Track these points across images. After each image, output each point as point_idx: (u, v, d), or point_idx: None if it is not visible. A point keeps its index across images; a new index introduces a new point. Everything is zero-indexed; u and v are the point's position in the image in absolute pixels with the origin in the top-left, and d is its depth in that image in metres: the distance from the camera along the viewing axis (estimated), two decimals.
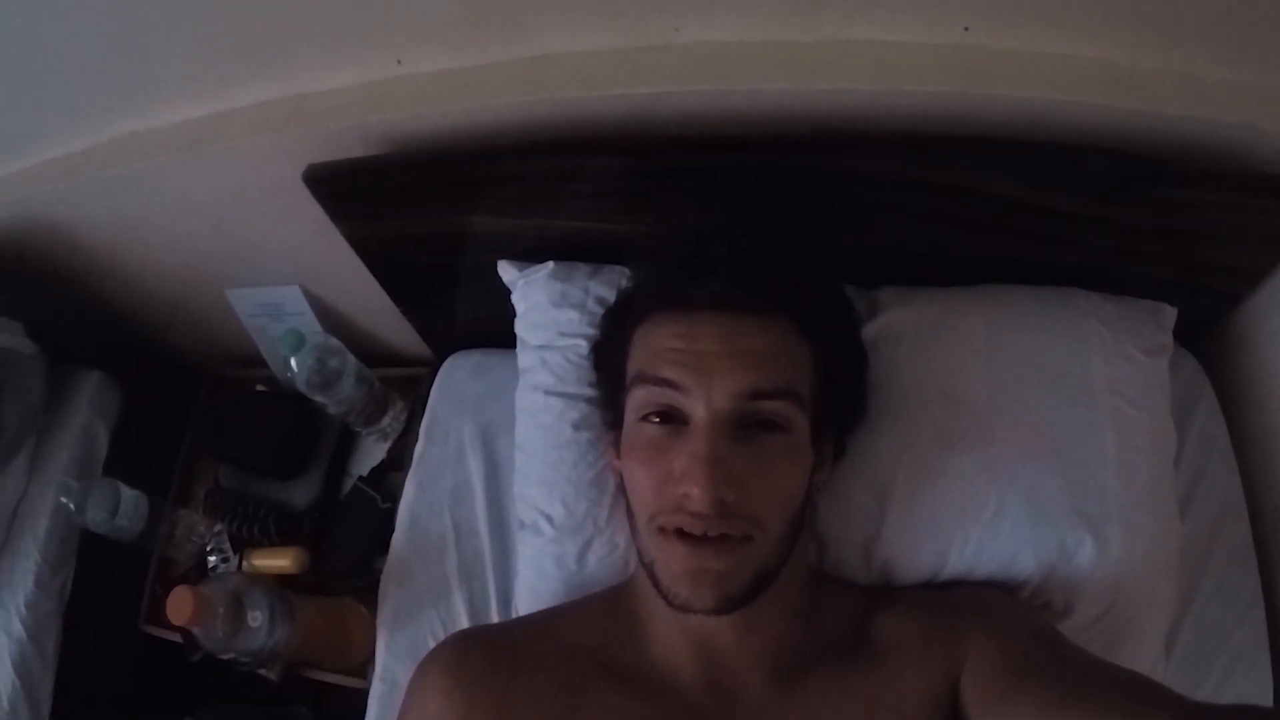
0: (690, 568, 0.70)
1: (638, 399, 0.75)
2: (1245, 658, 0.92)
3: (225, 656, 0.97)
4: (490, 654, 0.80)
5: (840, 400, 0.80)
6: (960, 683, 0.71)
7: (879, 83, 0.82)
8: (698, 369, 0.71)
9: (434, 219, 1.00)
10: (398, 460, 1.22)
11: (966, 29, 0.81)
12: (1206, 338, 1.04)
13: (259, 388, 1.40)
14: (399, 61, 0.94)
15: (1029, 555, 0.83)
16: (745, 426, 0.71)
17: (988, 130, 0.82)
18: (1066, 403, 0.86)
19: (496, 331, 1.05)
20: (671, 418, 0.73)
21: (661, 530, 0.72)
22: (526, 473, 0.95)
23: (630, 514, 0.79)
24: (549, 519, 0.91)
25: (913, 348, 0.89)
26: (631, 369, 0.78)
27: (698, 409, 0.70)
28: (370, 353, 1.26)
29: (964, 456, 0.85)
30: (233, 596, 0.96)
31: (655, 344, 0.75)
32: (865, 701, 0.73)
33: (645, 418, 0.74)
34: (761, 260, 0.75)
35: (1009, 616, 0.78)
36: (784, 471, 0.73)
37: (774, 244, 0.78)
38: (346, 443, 1.32)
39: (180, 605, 0.90)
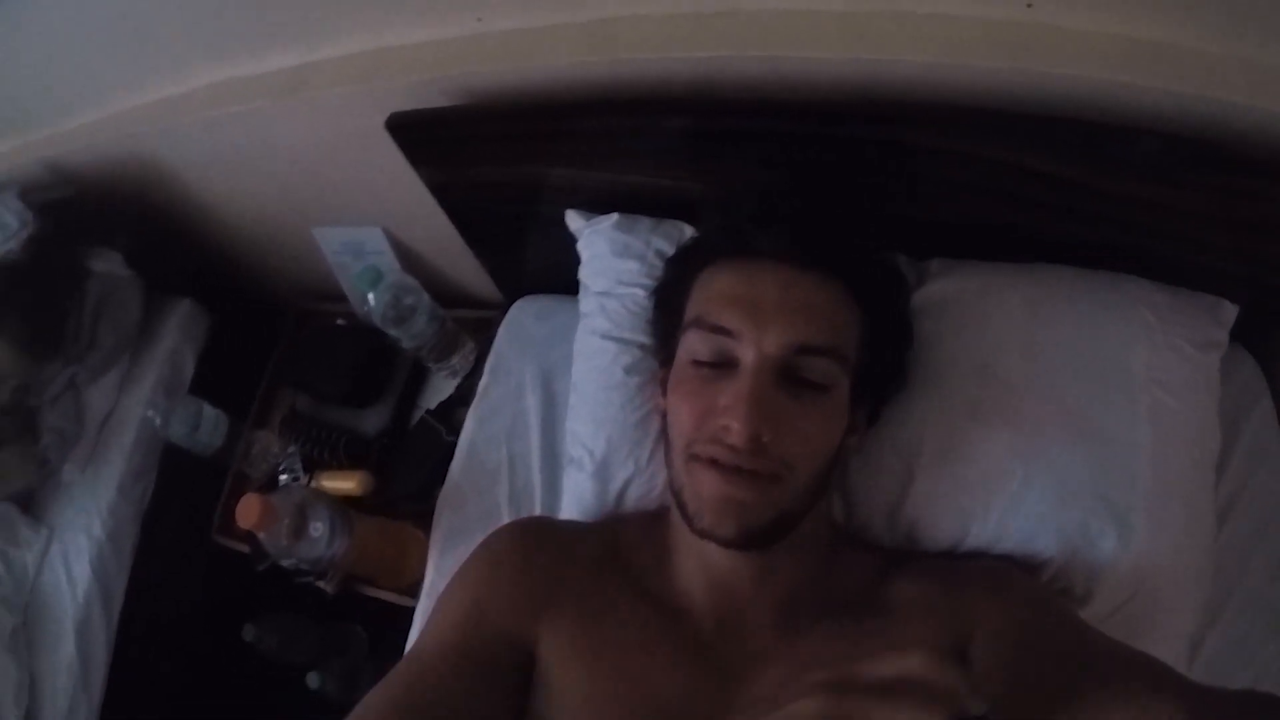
0: (718, 493, 0.73)
1: (692, 341, 0.78)
2: (1272, 673, 0.89)
3: (287, 563, 1.05)
4: (544, 542, 0.86)
5: (881, 371, 0.82)
6: (969, 652, 0.72)
7: (940, 55, 0.81)
8: (752, 316, 0.74)
9: (507, 168, 1.05)
10: (465, 396, 1.27)
11: (1029, 5, 0.80)
12: (1272, 340, 1.00)
13: (339, 321, 1.48)
14: (479, 20, 0.98)
15: (1051, 535, 0.83)
16: (789, 378, 0.74)
17: (1045, 108, 0.81)
18: (1103, 387, 0.85)
19: (563, 278, 1.09)
20: (721, 361, 0.76)
21: (695, 457, 0.75)
22: (578, 410, 1.00)
23: (668, 444, 0.82)
24: (593, 455, 0.96)
25: (954, 319, 0.90)
26: (690, 311, 0.81)
27: (748, 353, 0.73)
28: (445, 294, 1.32)
29: (994, 430, 0.85)
30: (297, 508, 1.03)
31: (715, 289, 0.78)
32: (868, 657, 0.75)
33: (696, 360, 0.78)
34: (824, 220, 0.78)
35: (1023, 590, 0.78)
36: (819, 424, 0.75)
37: (836, 208, 0.81)
38: (418, 377, 1.39)
39: (248, 510, 0.98)
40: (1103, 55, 0.79)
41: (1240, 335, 0.94)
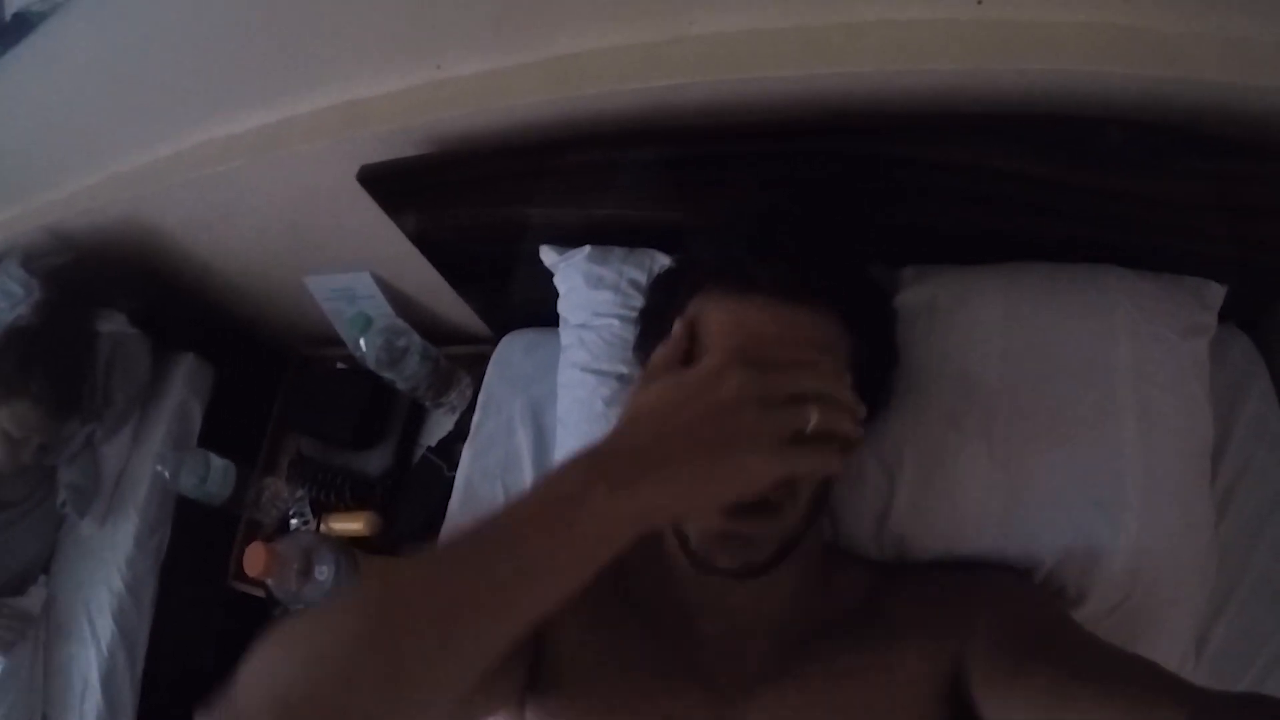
0: (722, 530, 0.72)
1: None
2: None
3: (296, 607, 1.07)
4: None
5: (869, 393, 0.81)
6: (965, 663, 0.71)
7: (891, 64, 0.80)
8: (755, 348, 0.73)
9: (479, 210, 1.06)
10: (464, 432, 1.27)
11: (979, 2, 0.78)
12: (1264, 318, 0.98)
13: (340, 366, 1.50)
14: (438, 67, 1.00)
15: (1039, 539, 0.82)
16: None
17: (1011, 107, 0.79)
18: (1084, 384, 0.83)
19: (548, 311, 1.09)
20: None
21: None
22: (564, 444, 1.01)
23: None
24: None
25: (928, 326, 0.89)
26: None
27: None
28: (439, 331, 1.34)
29: (973, 439, 0.84)
30: (303, 553, 1.06)
31: (712, 322, 0.77)
32: (863, 676, 0.74)
33: None
34: (821, 251, 0.77)
35: (1017, 598, 0.78)
36: None
37: (831, 236, 0.80)
38: (417, 415, 1.42)
39: (254, 558, 1.01)
40: (1060, 46, 0.77)
41: (1234, 314, 0.92)
